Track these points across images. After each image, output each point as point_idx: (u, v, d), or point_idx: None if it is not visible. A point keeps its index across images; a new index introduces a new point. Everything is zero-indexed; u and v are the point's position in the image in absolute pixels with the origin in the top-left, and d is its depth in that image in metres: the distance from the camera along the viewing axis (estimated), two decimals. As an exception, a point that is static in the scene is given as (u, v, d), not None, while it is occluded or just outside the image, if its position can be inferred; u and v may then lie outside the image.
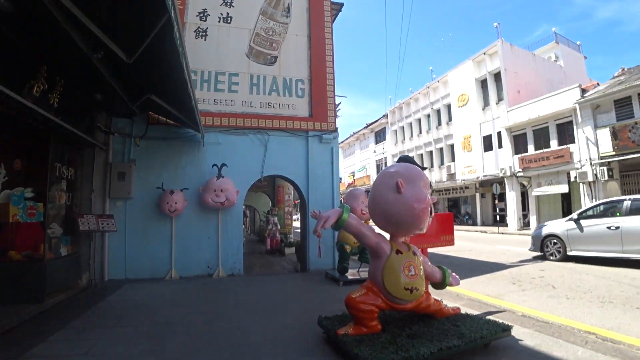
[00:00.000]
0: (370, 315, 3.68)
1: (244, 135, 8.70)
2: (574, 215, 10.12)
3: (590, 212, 9.95)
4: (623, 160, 17.74)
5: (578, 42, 33.27)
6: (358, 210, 7.30)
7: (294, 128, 9.05)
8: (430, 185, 4.09)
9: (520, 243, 14.67)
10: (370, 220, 4.68)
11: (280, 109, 9.06)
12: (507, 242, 15.89)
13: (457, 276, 4.67)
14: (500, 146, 24.20)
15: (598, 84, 21.58)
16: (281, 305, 5.73)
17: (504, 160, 23.54)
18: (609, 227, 8.90)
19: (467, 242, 16.30)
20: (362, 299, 3.72)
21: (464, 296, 6.47)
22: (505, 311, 5.41)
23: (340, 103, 10.22)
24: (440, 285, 4.46)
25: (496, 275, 8.33)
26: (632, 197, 9.35)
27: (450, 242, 7.26)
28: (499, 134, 24.24)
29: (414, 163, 4.15)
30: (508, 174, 22.63)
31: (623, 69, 22.52)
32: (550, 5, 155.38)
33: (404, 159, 4.26)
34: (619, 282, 7.12)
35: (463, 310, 4.56)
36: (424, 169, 4.34)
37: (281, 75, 9.22)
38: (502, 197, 24.11)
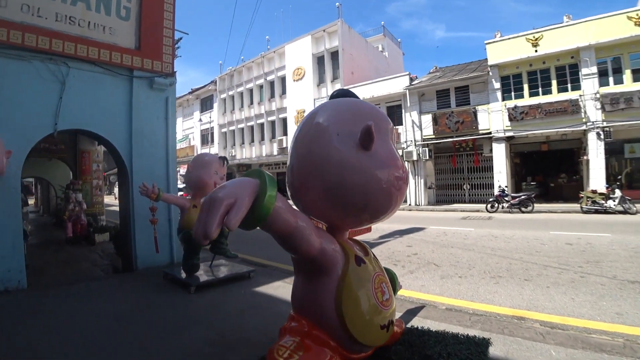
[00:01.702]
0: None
1: (23, 61, 5.37)
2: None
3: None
4: (437, 143, 20.07)
5: (399, 39, 36.62)
6: (210, 185, 5.16)
7: (111, 62, 6.09)
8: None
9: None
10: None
11: (90, 30, 5.95)
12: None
13: None
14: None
15: (416, 77, 23.54)
16: (99, 351, 3.23)
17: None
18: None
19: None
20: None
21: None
22: (425, 305, 4.36)
23: (180, 39, 7.53)
24: None
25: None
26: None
27: (369, 229, 5.55)
28: (334, 110, 24.34)
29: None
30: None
31: (436, 67, 25.21)
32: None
33: (343, 94, 2.26)
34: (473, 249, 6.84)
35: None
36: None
37: (93, -22, 6.07)
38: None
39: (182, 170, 29.45)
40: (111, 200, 30.75)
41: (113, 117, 6.12)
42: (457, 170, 20.51)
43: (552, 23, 17.36)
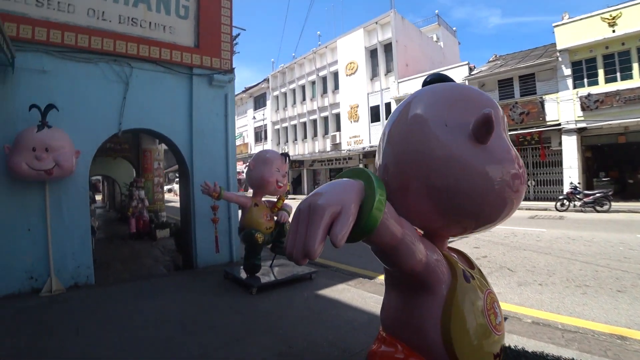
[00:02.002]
0: None
1: (89, 63, 5.50)
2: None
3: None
4: None
5: (454, 28, 35.12)
6: (272, 183, 5.01)
7: (171, 61, 6.12)
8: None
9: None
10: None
11: (151, 30, 6.00)
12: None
13: None
14: (388, 117, 23.76)
15: (474, 67, 22.35)
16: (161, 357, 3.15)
17: (392, 132, 23.09)
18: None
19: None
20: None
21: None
22: (507, 317, 3.85)
23: (238, 35, 7.47)
24: None
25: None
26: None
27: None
28: (388, 105, 23.78)
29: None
30: (396, 146, 22.19)
31: (495, 55, 23.82)
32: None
33: (440, 78, 1.87)
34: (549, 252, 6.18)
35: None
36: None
37: (153, -21, 6.11)
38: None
39: (238, 167, 29.88)
40: (170, 197, 32.02)
41: (174, 115, 6.15)
42: (521, 165, 19.22)
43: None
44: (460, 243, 8.24)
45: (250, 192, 5.58)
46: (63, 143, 4.81)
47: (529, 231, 9.66)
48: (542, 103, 17.49)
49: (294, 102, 32.61)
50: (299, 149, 31.66)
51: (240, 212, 5.45)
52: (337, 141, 27.04)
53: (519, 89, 18.57)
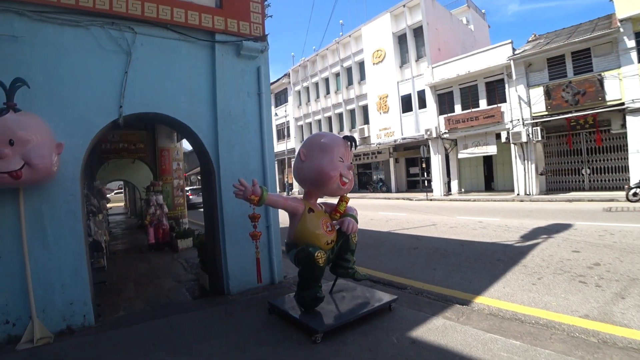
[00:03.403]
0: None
1: (78, 27, 4.04)
2: None
3: None
4: (548, 121, 16.97)
5: (483, 10, 32.93)
6: (334, 179, 3.50)
7: (187, 24, 4.60)
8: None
9: (477, 211, 12.13)
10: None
11: (158, -17, 4.51)
12: (455, 210, 13.21)
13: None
14: (421, 106, 21.99)
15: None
16: None
17: (427, 122, 21.34)
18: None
19: (412, 213, 13.40)
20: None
21: (538, 321, 3.14)
22: None
23: (270, -5, 5.85)
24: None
25: (541, 269, 5.16)
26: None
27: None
28: (421, 93, 21.98)
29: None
30: (434, 135, 20.44)
31: (535, 35, 21.74)
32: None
33: None
34: None
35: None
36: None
37: None
38: (427, 161, 21.94)
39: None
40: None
41: (192, 95, 4.62)
42: (573, 152, 17.23)
43: None
44: (550, 245, 6.49)
45: (295, 192, 4.04)
46: (36, 133, 3.34)
47: (622, 228, 7.85)
48: (600, 81, 15.40)
49: (317, 97, 31.04)
50: (324, 145, 30.03)
51: (288, 220, 3.88)
52: (366, 134, 25.34)
53: (572, 66, 16.48)
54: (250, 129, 4.85)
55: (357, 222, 3.87)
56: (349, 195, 3.96)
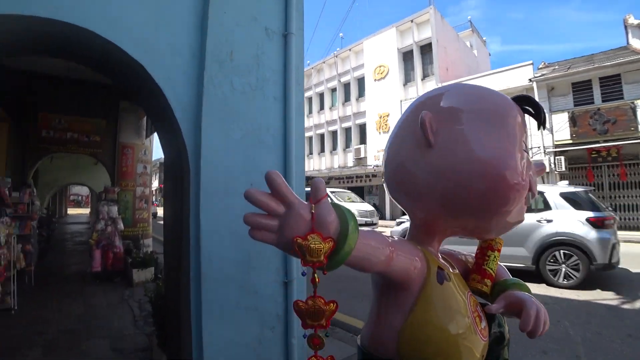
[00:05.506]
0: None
1: None
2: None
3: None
4: (567, 151, 15.49)
5: (484, 38, 31.97)
6: (520, 192, 1.04)
7: None
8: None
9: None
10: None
11: None
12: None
13: None
14: (427, 128, 20.13)
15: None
16: None
17: (433, 145, 19.43)
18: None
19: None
20: None
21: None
22: None
23: None
24: None
25: None
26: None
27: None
28: (427, 113, 20.16)
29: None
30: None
31: (544, 63, 20.43)
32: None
33: None
34: None
35: None
36: None
37: None
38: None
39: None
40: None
41: (158, 6, 2.30)
42: (595, 186, 15.59)
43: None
44: None
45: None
46: None
47: None
48: (633, 109, 13.96)
49: (310, 112, 28.96)
50: (314, 164, 27.91)
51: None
52: (362, 155, 23.28)
53: (600, 93, 15.07)
54: (267, 90, 2.49)
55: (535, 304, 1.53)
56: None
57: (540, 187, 7.91)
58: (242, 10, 2.54)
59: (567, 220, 6.30)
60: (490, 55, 32.75)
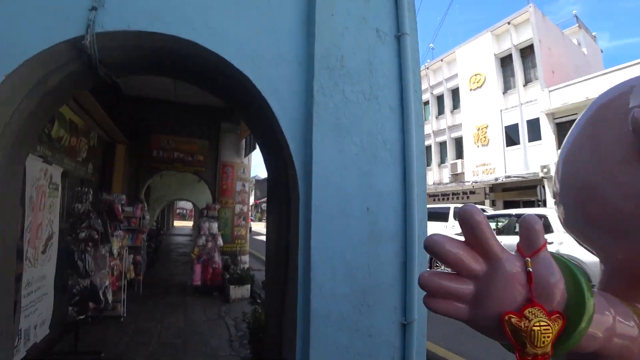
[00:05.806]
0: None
1: None
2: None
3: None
4: None
5: (594, 33, 28.57)
6: None
7: None
8: None
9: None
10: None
11: None
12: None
13: None
14: (533, 138, 18.31)
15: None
16: None
17: (541, 156, 17.62)
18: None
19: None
20: None
21: None
22: None
23: None
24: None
25: None
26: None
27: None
28: (532, 122, 18.39)
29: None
30: (552, 173, 16.68)
31: None
32: None
33: None
34: None
35: None
36: None
37: None
38: (531, 203, 18.02)
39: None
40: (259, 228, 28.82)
41: (262, 14, 2.12)
42: None
43: None
44: None
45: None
46: None
47: None
48: None
49: (400, 127, 28.24)
50: (405, 180, 27.01)
51: None
52: (459, 171, 21.96)
53: None
54: (381, 99, 2.18)
55: None
56: None
57: (541, 211, 7.71)
58: (351, 12, 2.27)
59: (567, 242, 6.31)
60: (602, 51, 29.17)
